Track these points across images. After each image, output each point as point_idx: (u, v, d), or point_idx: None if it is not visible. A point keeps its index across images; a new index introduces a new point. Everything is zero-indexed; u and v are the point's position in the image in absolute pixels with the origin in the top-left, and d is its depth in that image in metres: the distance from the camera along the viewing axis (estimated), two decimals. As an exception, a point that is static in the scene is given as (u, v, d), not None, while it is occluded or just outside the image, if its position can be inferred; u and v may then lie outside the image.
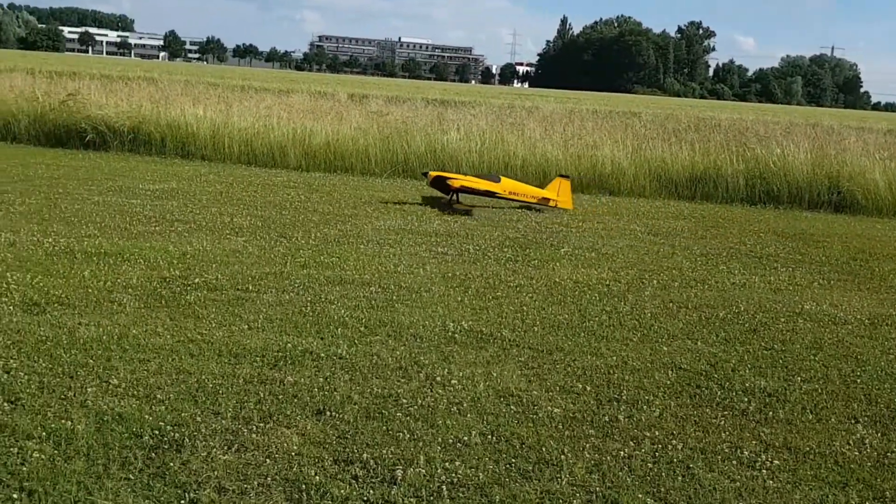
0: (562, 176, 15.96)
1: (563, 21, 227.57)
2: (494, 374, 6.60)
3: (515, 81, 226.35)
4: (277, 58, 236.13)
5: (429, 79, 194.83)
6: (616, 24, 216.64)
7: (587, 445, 5.46)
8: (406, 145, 19.53)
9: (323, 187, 16.61)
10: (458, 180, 14.86)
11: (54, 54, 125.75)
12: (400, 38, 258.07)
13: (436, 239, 11.98)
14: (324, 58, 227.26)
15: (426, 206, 14.81)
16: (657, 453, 5.43)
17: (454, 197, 15.03)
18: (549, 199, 15.34)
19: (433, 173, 15.19)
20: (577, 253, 11.63)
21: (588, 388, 6.45)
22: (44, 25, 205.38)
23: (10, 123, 20.85)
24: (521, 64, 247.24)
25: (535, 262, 10.88)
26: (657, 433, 5.72)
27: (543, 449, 5.35)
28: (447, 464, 5.06)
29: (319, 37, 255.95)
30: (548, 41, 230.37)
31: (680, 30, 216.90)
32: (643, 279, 10.29)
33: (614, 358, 7.21)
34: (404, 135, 20.02)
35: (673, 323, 8.46)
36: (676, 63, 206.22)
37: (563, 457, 5.26)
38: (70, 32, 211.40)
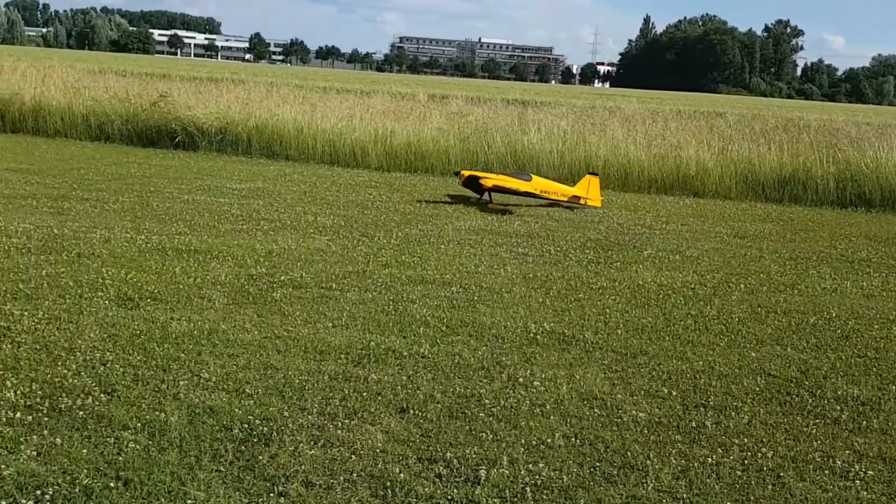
0: (591, 173, 15.90)
1: (646, 20, 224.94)
2: (577, 377, 6.55)
3: (596, 81, 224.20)
4: (359, 59, 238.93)
5: (508, 79, 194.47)
6: (700, 23, 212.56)
7: (673, 451, 5.38)
8: (486, 146, 19.54)
9: (404, 187, 16.74)
10: (490, 179, 14.82)
11: (144, 56, 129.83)
12: (480, 39, 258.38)
13: (516, 240, 11.96)
14: (404, 59, 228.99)
15: (506, 206, 14.78)
16: (746, 461, 5.31)
17: (487, 196, 15.00)
18: (579, 197, 15.28)
19: (465, 172, 15.17)
20: (661, 255, 11.45)
21: (674, 393, 6.35)
22: (135, 28, 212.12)
23: (104, 124, 21.55)
24: (603, 63, 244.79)
25: (618, 264, 10.76)
26: (746, 440, 5.60)
27: (628, 453, 5.28)
28: (531, 465, 5.04)
29: (400, 38, 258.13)
30: (630, 40, 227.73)
31: (767, 28, 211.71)
32: (730, 283, 10.07)
33: (700, 363, 7.08)
34: (484, 135, 20.04)
35: (761, 328, 8.26)
36: (763, 62, 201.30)
37: (648, 462, 5.19)
38: (160, 35, 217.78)
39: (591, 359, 7.02)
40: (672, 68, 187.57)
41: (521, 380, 6.40)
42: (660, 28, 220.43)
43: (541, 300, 8.74)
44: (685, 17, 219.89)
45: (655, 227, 13.92)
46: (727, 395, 6.41)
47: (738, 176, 18.62)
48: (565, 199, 15.30)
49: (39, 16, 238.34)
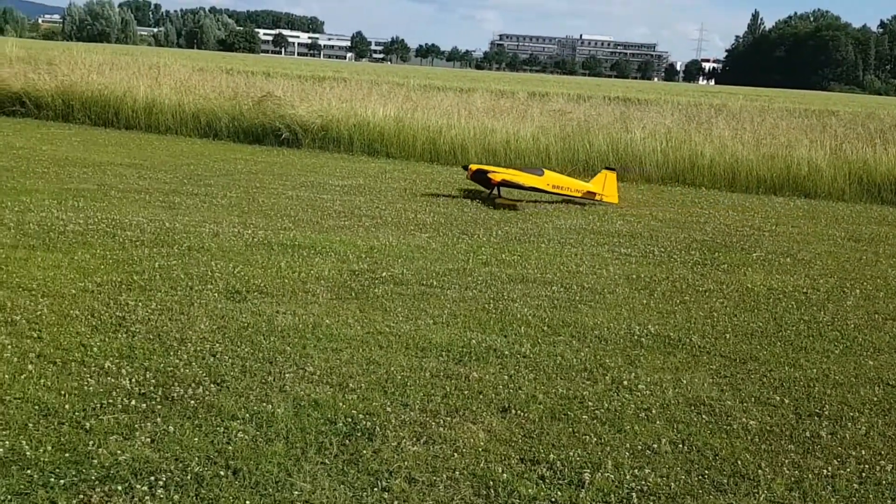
0: (608, 168, 15.38)
1: (755, 16, 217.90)
2: (684, 381, 6.38)
3: (701, 79, 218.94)
4: (458, 57, 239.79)
5: (609, 76, 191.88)
6: (812, 19, 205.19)
7: (786, 461, 5.18)
8: (588, 144, 19.31)
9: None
10: (499, 174, 14.42)
11: (250, 55, 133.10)
12: (581, 36, 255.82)
13: (618, 240, 11.76)
14: (503, 56, 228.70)
15: (608, 206, 14.56)
16: (863, 473, 5.08)
17: (496, 191, 14.57)
18: (594, 193, 14.77)
19: (473, 166, 14.79)
20: (771, 258, 11.08)
21: (786, 401, 6.12)
22: (241, 28, 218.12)
23: (212, 121, 22.16)
24: (708, 60, 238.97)
25: (725, 266, 10.46)
26: (863, 452, 5.35)
27: (739, 462, 5.11)
28: (636, 471, 4.93)
29: (500, 35, 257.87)
30: (737, 37, 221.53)
31: (882, 24, 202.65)
32: (844, 288, 9.66)
33: (814, 370, 6.81)
34: (586, 133, 19.80)
35: (879, 336, 7.89)
36: (878, 59, 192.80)
37: (759, 471, 5.00)
38: (265, 34, 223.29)
39: (698, 363, 6.83)
40: (781, 65, 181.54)
41: (625, 383, 6.27)
42: (769, 24, 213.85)
43: (645, 302, 8.57)
44: (795, 13, 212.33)
45: (764, 228, 13.48)
46: (843, 404, 6.14)
47: (852, 177, 17.87)
48: (579, 194, 14.82)
49: (151, 16, 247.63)
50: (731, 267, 10.43)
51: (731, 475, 4.96)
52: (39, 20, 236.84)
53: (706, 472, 4.98)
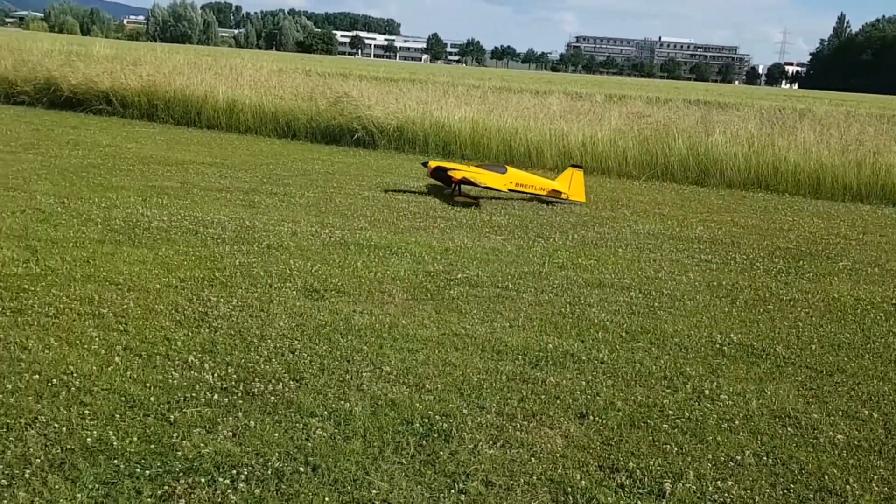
0: (574, 166, 14.94)
1: (841, 19, 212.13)
2: (768, 393, 6.21)
3: (783, 82, 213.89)
4: (533, 59, 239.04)
5: (688, 79, 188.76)
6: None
7: (875, 477, 5.00)
8: (667, 148, 18.99)
9: (580, 188, 16.50)
10: (459, 171, 14.05)
11: (327, 57, 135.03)
12: (660, 38, 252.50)
13: (698, 246, 11.53)
14: (580, 58, 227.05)
15: (685, 210, 14.30)
16: (960, 495, 4.86)
17: (456, 189, 14.21)
18: (560, 192, 14.32)
19: (433, 163, 14.43)
20: (858, 267, 10.73)
21: (875, 416, 5.91)
22: (319, 29, 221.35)
23: (291, 122, 22.49)
24: (791, 64, 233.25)
25: (810, 275, 10.16)
26: (959, 472, 5.12)
27: (826, 476, 4.95)
28: (719, 482, 4.82)
29: (576, 37, 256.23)
30: (822, 40, 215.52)
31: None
32: (936, 300, 9.29)
33: (905, 385, 6.56)
34: (665, 137, 19.48)
35: (974, 351, 7.55)
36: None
37: (847, 487, 4.84)
38: (342, 36, 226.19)
39: (782, 374, 6.64)
40: (867, 69, 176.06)
41: (706, 392, 6.13)
42: (855, 27, 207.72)
43: (726, 310, 8.38)
44: (883, 16, 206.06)
45: (851, 237, 13.07)
46: (937, 421, 5.89)
47: (947, 186, 17.19)
48: (544, 192, 14.42)
49: (232, 17, 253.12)
50: (816, 276, 10.13)
51: (818, 490, 4.80)
52: (125, 21, 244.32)
53: (791, 486, 4.84)
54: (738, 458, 5.14)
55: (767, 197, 17.17)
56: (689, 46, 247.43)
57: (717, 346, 7.22)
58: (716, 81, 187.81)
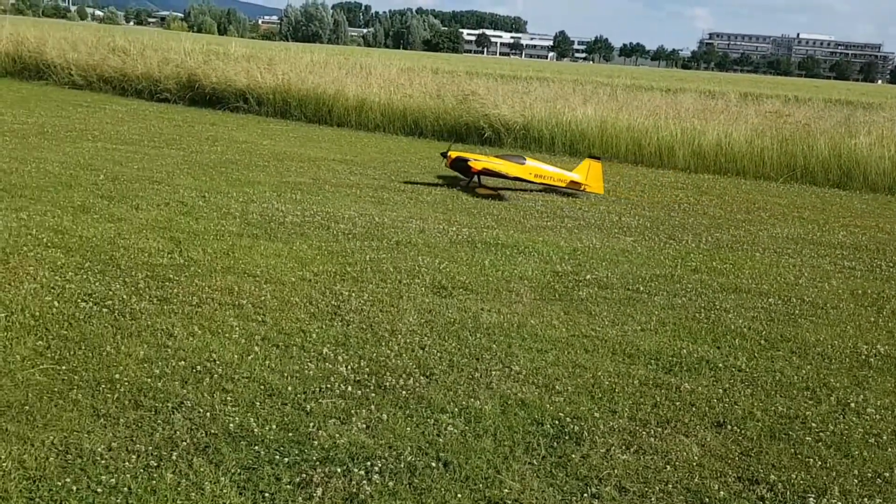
0: (592, 157, 14.45)
1: None
2: (919, 408, 5.86)
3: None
4: (664, 56, 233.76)
5: (828, 78, 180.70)
6: None
7: None
8: (807, 149, 18.20)
9: (713, 189, 16.06)
10: (480, 162, 13.67)
11: (454, 55, 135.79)
12: (798, 35, 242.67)
13: (841, 251, 11.01)
14: (713, 55, 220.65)
15: (826, 214, 13.67)
16: None
17: (477, 180, 13.89)
18: (579, 183, 13.89)
19: (453, 153, 14.04)
20: None
21: None
22: (446, 28, 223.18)
23: (419, 120, 22.73)
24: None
25: (965, 285, 9.54)
26: None
27: None
28: (866, 499, 4.59)
29: (710, 34, 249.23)
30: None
31: None
32: None
33: None
34: (806, 137, 18.68)
35: None
36: None
37: None
38: (468, 34, 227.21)
39: (935, 390, 6.26)
40: None
41: (852, 405, 5.84)
42: None
43: (872, 319, 7.96)
44: None
45: None
46: None
47: None
48: (563, 184, 14.06)
49: (361, 17, 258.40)
50: (971, 286, 9.50)
51: (979, 516, 4.50)
52: (259, 21, 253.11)
53: (948, 510, 4.55)
54: (887, 475, 4.88)
55: (916, 201, 16.24)
56: (828, 44, 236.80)
57: (863, 357, 6.87)
58: (857, 80, 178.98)
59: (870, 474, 4.88)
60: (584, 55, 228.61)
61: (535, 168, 14.52)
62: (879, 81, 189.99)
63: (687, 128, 19.68)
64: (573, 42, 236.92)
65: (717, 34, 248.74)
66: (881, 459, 5.08)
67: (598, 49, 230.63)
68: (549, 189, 14.44)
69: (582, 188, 14.38)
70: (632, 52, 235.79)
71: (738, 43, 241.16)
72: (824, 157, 17.86)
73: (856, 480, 4.80)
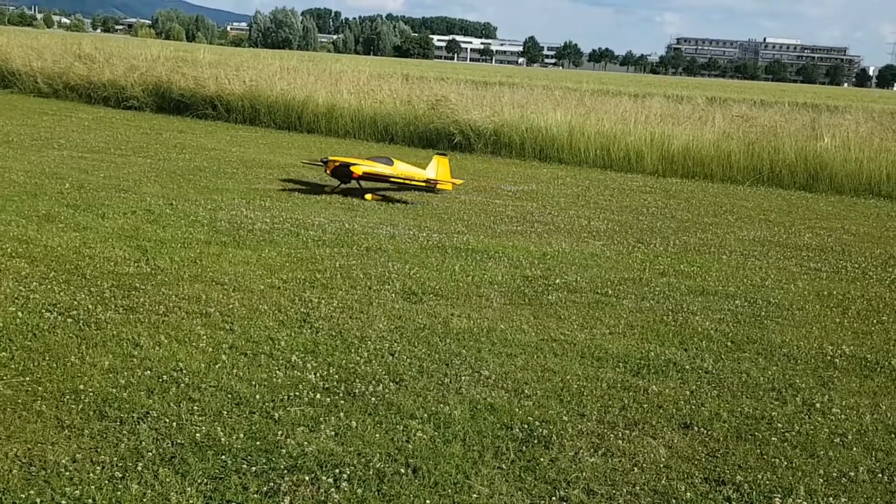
0: (438, 153, 14.47)
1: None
2: (883, 407, 5.94)
3: None
4: (632, 61, 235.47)
5: (794, 81, 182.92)
6: None
7: None
8: (773, 152, 18.42)
9: (681, 193, 16.20)
10: (359, 167, 13.32)
11: (424, 61, 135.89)
12: (765, 39, 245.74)
13: (807, 253, 11.15)
14: (680, 60, 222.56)
15: (793, 216, 13.84)
16: None
17: (358, 185, 13.47)
18: (436, 182, 13.81)
19: (336, 158, 13.64)
20: (980, 278, 10.17)
21: None
22: (416, 34, 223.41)
23: (389, 126, 22.72)
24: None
25: (927, 285, 9.69)
26: None
27: (948, 499, 4.69)
28: (831, 498, 4.63)
29: (678, 39, 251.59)
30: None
31: None
32: None
33: None
34: (772, 141, 18.90)
35: None
36: None
37: (973, 511, 4.57)
38: (438, 40, 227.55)
39: (899, 389, 6.34)
40: None
41: (817, 405, 5.90)
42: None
43: (837, 320, 8.06)
44: None
45: (972, 245, 12.41)
46: None
47: None
48: (423, 183, 13.83)
49: (331, 23, 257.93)
50: (933, 286, 9.65)
51: (941, 513, 4.56)
52: (228, 28, 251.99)
53: (911, 507, 4.61)
54: (852, 474, 4.93)
55: (880, 203, 16.51)
56: (795, 48, 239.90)
57: (829, 357, 6.94)
58: (823, 84, 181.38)
59: (835, 474, 4.93)
60: (553, 61, 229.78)
61: (404, 170, 14.07)
62: (846, 84, 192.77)
63: (655, 132, 19.84)
64: (543, 48, 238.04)
65: (684, 39, 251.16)
66: (846, 459, 5.13)
67: (568, 55, 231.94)
68: (407, 188, 14.01)
69: (439, 186, 14.14)
70: (601, 57, 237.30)
71: (706, 48, 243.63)
72: (790, 160, 18.10)
73: (821, 480, 4.85)
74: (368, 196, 13.34)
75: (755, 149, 18.69)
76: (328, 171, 13.57)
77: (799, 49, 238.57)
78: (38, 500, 4.14)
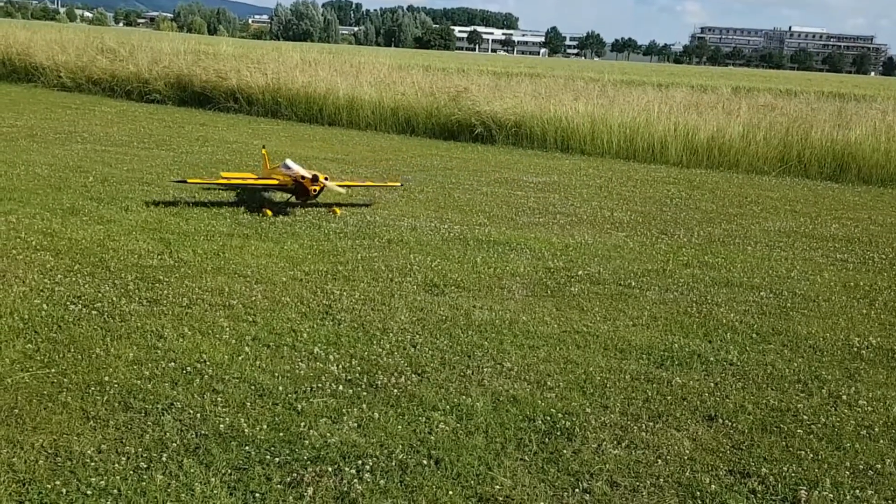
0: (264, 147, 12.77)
1: None
2: (911, 400, 5.86)
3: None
4: (655, 51, 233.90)
5: (820, 70, 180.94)
6: None
7: None
8: (800, 142, 18.22)
9: (705, 184, 16.07)
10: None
11: (446, 52, 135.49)
12: (790, 28, 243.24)
13: (833, 244, 11.02)
14: (704, 50, 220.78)
15: (819, 207, 13.69)
16: None
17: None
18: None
19: (321, 177, 10.91)
20: None
21: None
22: (437, 25, 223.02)
23: (410, 118, 22.67)
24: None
25: (956, 276, 9.56)
26: None
27: (978, 493, 4.63)
28: (857, 491, 4.58)
29: (701, 28, 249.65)
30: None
31: None
32: None
33: None
34: (798, 130, 18.69)
35: None
36: None
37: None
38: (460, 31, 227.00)
39: (927, 381, 6.26)
40: None
41: (843, 397, 5.84)
42: None
43: (864, 312, 7.97)
44: None
45: None
46: None
47: None
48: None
49: (352, 15, 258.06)
50: (962, 277, 9.52)
51: (970, 507, 4.50)
52: (249, 20, 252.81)
53: (940, 501, 4.54)
54: (879, 466, 4.87)
55: (909, 193, 16.28)
56: (821, 36, 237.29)
57: (855, 349, 6.87)
58: (850, 73, 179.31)
59: (861, 466, 4.88)
60: (575, 51, 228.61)
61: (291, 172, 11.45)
62: (872, 73, 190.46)
63: (679, 122, 19.67)
64: (565, 38, 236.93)
65: (708, 28, 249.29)
66: (873, 451, 5.07)
67: (590, 45, 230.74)
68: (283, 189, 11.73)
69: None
70: (623, 47, 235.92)
71: (730, 37, 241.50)
72: (817, 149, 17.89)
73: (847, 472, 4.80)
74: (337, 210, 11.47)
75: (782, 138, 18.47)
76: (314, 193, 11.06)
77: (825, 38, 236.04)
78: (63, 491, 4.17)
